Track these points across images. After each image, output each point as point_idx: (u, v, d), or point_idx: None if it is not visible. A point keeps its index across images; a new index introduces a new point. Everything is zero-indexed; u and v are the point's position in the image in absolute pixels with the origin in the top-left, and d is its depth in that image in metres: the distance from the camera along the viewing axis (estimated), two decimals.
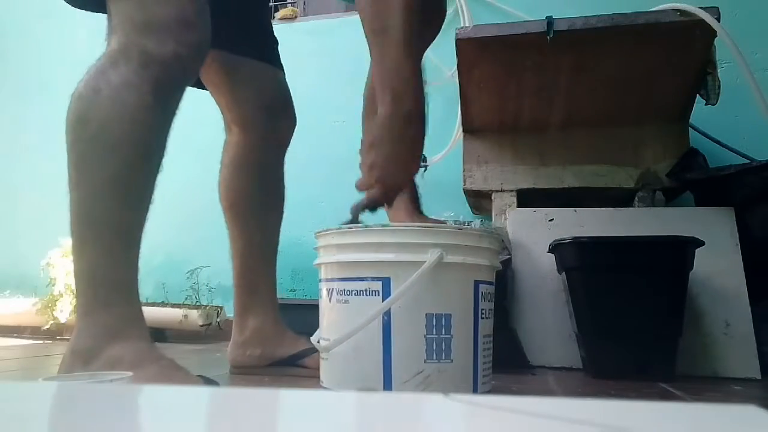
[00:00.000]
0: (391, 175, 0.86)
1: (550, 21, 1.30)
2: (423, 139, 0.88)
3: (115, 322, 0.79)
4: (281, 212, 1.20)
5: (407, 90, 0.84)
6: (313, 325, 0.84)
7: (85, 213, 0.81)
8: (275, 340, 1.11)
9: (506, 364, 1.17)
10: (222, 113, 1.18)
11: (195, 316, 1.96)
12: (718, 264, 1.24)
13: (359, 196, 0.90)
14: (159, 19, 0.84)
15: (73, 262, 0.82)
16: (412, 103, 0.85)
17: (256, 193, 1.15)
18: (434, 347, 0.73)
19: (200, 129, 1.67)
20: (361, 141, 0.92)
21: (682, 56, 1.35)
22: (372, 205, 0.87)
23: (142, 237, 0.84)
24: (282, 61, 1.21)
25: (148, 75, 0.82)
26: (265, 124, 1.15)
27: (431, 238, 0.74)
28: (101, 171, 0.81)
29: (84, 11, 1.00)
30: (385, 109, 0.83)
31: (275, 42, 1.21)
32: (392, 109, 0.83)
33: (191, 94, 0.91)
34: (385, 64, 0.85)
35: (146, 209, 0.84)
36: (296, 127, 1.22)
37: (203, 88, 1.14)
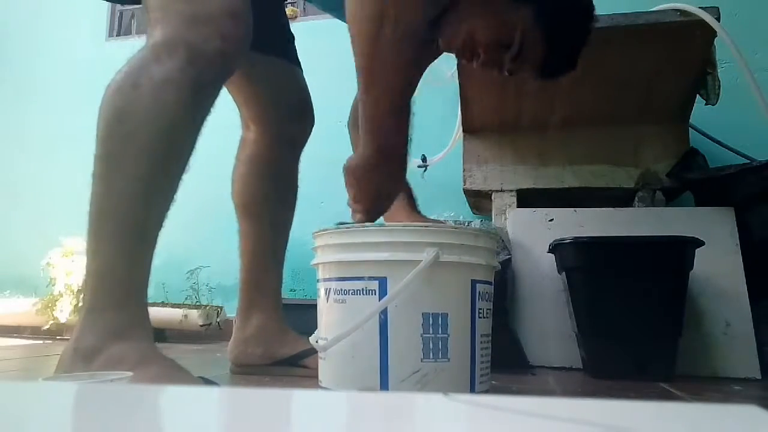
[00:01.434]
0: (374, 206, 0.89)
1: None
2: (401, 171, 0.91)
3: (121, 322, 0.78)
4: (293, 212, 1.20)
5: (389, 143, 0.86)
6: (313, 325, 0.84)
7: (108, 209, 0.80)
8: (277, 339, 1.11)
9: (506, 364, 1.17)
10: (239, 110, 1.17)
11: (195, 316, 1.96)
12: (718, 264, 1.24)
13: None
14: (206, 12, 0.82)
15: (86, 257, 0.81)
16: (391, 151, 0.87)
17: (269, 191, 1.15)
18: (431, 346, 0.73)
19: (203, 128, 1.66)
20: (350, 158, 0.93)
21: (682, 56, 1.35)
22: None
23: (158, 238, 0.82)
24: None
25: (192, 73, 0.80)
26: (283, 122, 1.14)
27: (427, 237, 0.73)
28: (132, 169, 0.79)
29: (106, 6, 1.00)
30: (366, 153, 0.86)
31: (292, 38, 1.20)
32: (373, 158, 0.85)
33: None
34: (373, 113, 0.85)
35: (167, 209, 0.83)
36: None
37: None
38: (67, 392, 0.41)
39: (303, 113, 1.18)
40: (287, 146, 1.16)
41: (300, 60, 1.22)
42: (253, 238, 1.14)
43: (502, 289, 1.27)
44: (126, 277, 0.80)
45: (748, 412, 0.29)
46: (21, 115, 2.69)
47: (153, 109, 0.79)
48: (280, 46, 1.16)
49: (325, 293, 0.80)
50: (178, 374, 0.78)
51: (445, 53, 1.14)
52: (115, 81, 0.81)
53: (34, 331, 2.11)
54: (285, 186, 1.18)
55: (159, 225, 0.82)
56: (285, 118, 1.14)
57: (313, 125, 1.21)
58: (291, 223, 1.19)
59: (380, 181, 0.88)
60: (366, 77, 0.84)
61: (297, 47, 1.23)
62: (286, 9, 2.42)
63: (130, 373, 0.67)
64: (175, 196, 0.83)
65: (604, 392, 0.97)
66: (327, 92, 2.28)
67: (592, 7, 0.96)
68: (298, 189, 1.21)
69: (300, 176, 1.22)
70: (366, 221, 0.89)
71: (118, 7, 2.53)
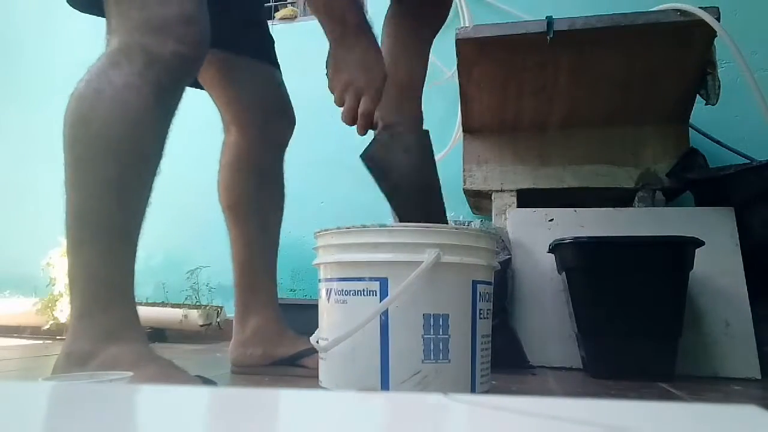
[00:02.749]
0: (367, 80, 0.90)
1: (550, 21, 1.30)
2: (374, 42, 0.93)
3: (112, 324, 0.79)
4: (281, 212, 1.20)
5: (345, 13, 0.90)
6: (313, 325, 0.84)
7: (84, 214, 0.81)
8: (276, 339, 1.11)
9: (506, 364, 1.17)
10: (220, 113, 1.17)
11: (195, 316, 1.96)
12: (718, 264, 1.24)
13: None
14: (160, 18, 0.84)
15: (68, 263, 0.82)
16: (353, 21, 0.90)
17: (255, 193, 1.15)
18: (432, 347, 0.73)
19: (199, 130, 1.67)
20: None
21: (682, 56, 1.35)
22: (369, 119, 0.91)
23: (139, 239, 0.84)
24: (280, 61, 1.21)
25: (151, 76, 0.82)
26: (264, 123, 1.15)
27: (429, 238, 0.73)
28: (101, 172, 0.81)
29: (84, 14, 1.00)
30: (333, 35, 0.90)
31: (272, 41, 1.21)
32: (339, 32, 0.90)
33: (192, 95, 0.91)
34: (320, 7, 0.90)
35: (144, 211, 0.84)
36: (296, 126, 1.21)
37: (200, 87, 1.14)
38: (67, 392, 0.41)
39: (282, 114, 1.19)
40: (269, 147, 1.17)
41: (297, 60, 1.23)
42: (243, 241, 1.15)
43: (502, 288, 1.27)
44: (109, 279, 0.81)
45: (748, 412, 0.29)
46: (20, 115, 2.69)
47: (116, 113, 0.81)
48: (258, 48, 1.17)
49: (326, 293, 0.80)
50: (176, 374, 0.78)
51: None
52: (77, 89, 0.83)
53: (34, 331, 2.11)
54: (270, 187, 1.18)
55: (137, 225, 0.83)
56: (265, 119, 1.15)
57: (294, 125, 1.21)
58: (280, 223, 1.20)
59: (361, 55, 0.90)
60: None
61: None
62: (286, 9, 2.43)
63: (129, 373, 0.67)
64: (150, 198, 0.85)
65: (604, 392, 0.97)
66: (326, 92, 2.28)
67: None
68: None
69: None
70: (372, 106, 0.89)
71: None
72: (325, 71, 0.95)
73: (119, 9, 0.86)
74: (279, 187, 1.20)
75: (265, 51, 1.18)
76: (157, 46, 0.83)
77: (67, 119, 0.83)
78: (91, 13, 0.98)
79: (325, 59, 0.95)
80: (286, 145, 1.20)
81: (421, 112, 1.18)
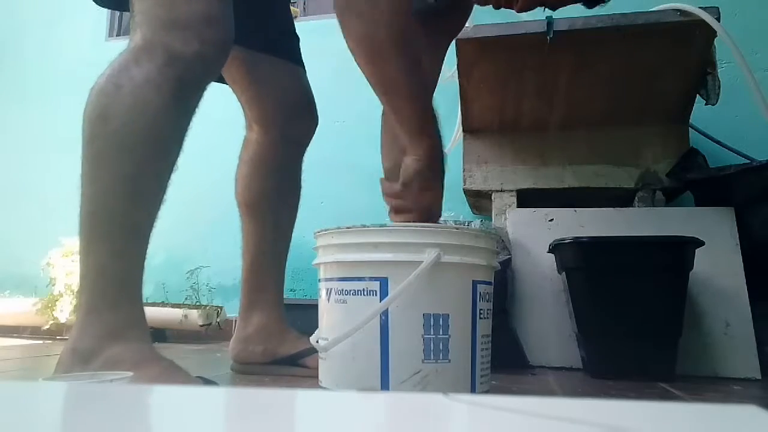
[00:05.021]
0: (437, 209, 0.90)
1: (550, 21, 1.30)
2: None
3: (119, 322, 0.79)
4: (296, 211, 1.20)
5: (433, 127, 0.90)
6: (313, 325, 0.84)
7: (97, 210, 0.80)
8: (277, 338, 1.11)
9: (506, 364, 1.17)
10: (243, 110, 1.17)
11: (195, 316, 1.96)
12: (718, 264, 1.24)
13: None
14: (185, 17, 0.83)
15: (80, 259, 0.81)
16: (438, 142, 0.90)
17: (272, 192, 1.15)
18: (432, 347, 0.73)
19: (202, 129, 1.66)
20: (384, 165, 0.96)
21: (682, 56, 1.35)
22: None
23: (150, 237, 0.83)
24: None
25: (171, 73, 0.81)
26: (286, 123, 1.15)
27: (429, 238, 0.73)
28: (118, 168, 0.80)
29: (106, 10, 1.00)
30: (424, 154, 0.86)
31: (297, 40, 1.21)
32: (428, 147, 0.86)
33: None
34: (405, 120, 0.87)
35: (158, 209, 0.83)
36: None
37: (224, 82, 1.14)
38: (67, 392, 0.41)
39: (306, 114, 1.19)
40: (290, 146, 1.17)
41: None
42: (256, 237, 1.15)
43: (502, 289, 1.27)
44: (120, 277, 0.80)
45: (748, 412, 0.29)
46: (21, 115, 2.69)
47: (135, 109, 0.80)
48: (284, 46, 1.17)
49: (326, 293, 0.80)
50: (177, 374, 0.78)
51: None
52: (97, 84, 0.83)
53: (34, 331, 2.11)
54: (288, 186, 1.18)
55: (150, 224, 0.83)
56: (288, 118, 1.15)
57: (316, 125, 1.21)
58: (294, 223, 1.20)
59: (438, 181, 0.89)
60: (373, 68, 0.83)
61: None
62: None
63: (130, 373, 0.67)
64: (164, 196, 0.84)
65: (604, 392, 0.97)
66: (327, 92, 2.27)
67: None
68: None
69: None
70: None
71: None
72: (384, 162, 0.93)
73: (144, 5, 0.85)
74: (296, 187, 1.20)
75: (289, 49, 1.17)
76: (179, 44, 0.82)
77: (87, 114, 0.82)
78: (114, 9, 0.97)
79: (381, 145, 0.94)
80: (308, 145, 1.21)
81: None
